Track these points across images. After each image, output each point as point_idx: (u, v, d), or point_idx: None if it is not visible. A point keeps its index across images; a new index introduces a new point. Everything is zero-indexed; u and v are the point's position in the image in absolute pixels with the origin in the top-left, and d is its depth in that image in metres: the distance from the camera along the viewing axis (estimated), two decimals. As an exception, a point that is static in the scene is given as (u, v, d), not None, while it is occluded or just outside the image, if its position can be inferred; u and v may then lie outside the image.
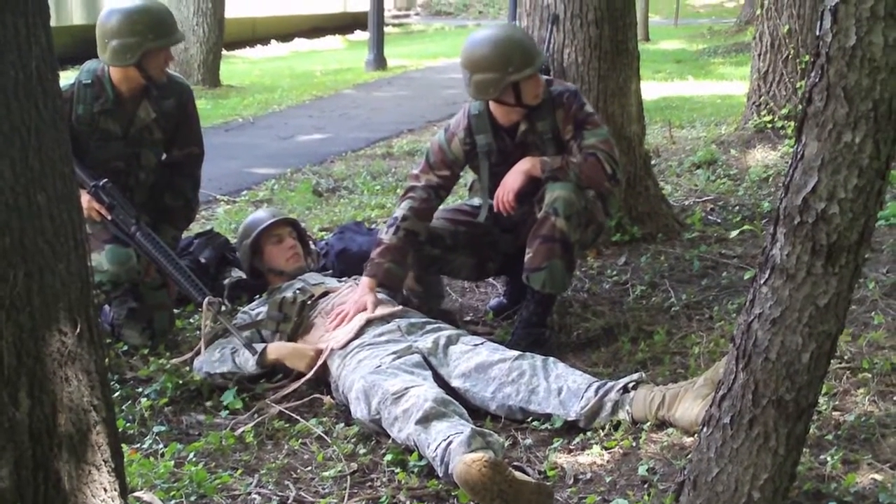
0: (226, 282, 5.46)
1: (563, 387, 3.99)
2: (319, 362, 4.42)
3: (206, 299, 4.69)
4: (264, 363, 4.50)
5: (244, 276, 5.44)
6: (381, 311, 4.57)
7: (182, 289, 4.86)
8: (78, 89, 4.93)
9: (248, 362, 4.49)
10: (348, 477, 3.64)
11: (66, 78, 3.08)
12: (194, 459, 3.78)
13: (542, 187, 4.65)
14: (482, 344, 4.30)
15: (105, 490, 2.77)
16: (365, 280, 4.71)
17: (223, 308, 4.71)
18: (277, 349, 4.54)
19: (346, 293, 4.77)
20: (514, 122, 4.76)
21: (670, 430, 3.78)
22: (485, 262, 5.08)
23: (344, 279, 5.04)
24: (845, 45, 2.44)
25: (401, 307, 4.67)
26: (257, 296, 5.15)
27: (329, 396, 4.35)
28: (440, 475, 3.52)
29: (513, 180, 4.69)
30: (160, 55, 4.92)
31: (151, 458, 3.73)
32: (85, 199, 4.67)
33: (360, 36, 24.99)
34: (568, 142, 4.67)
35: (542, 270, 4.61)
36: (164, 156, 5.21)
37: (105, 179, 4.83)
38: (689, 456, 3.03)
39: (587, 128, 4.62)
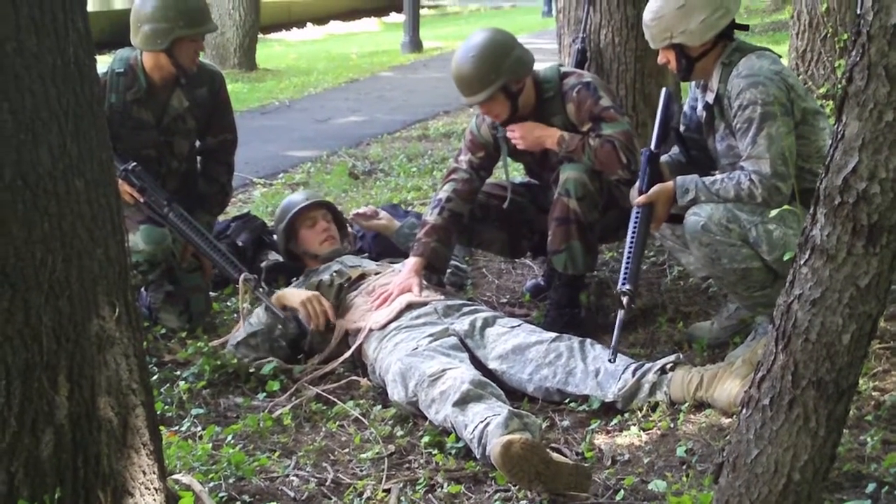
0: (263, 265, 5.47)
1: (600, 368, 3.98)
2: (358, 342, 4.43)
3: (242, 276, 4.71)
4: (272, 309, 4.60)
5: (281, 258, 5.46)
6: (426, 294, 4.57)
7: (218, 266, 4.89)
8: (111, 78, 4.95)
9: (258, 317, 4.60)
10: (386, 459, 3.64)
11: (101, 65, 3.08)
12: (232, 442, 3.79)
13: (557, 168, 4.67)
14: (519, 326, 4.30)
15: (144, 472, 2.79)
16: (412, 260, 4.71)
17: (260, 286, 4.74)
18: (283, 291, 4.73)
19: (390, 274, 4.77)
20: (523, 116, 4.75)
21: (708, 411, 3.77)
22: (518, 240, 5.09)
23: (381, 262, 5.03)
24: (887, 24, 2.40)
25: (443, 294, 4.66)
26: (294, 278, 5.17)
27: (366, 379, 4.36)
28: (477, 457, 3.52)
29: (531, 142, 4.69)
30: (191, 45, 4.94)
31: (190, 441, 3.75)
32: None
33: (396, 18, 24.95)
34: (586, 135, 4.65)
35: (562, 252, 4.62)
36: (197, 143, 5.24)
37: (134, 163, 4.86)
38: (728, 437, 3.02)
39: (605, 121, 4.60)
